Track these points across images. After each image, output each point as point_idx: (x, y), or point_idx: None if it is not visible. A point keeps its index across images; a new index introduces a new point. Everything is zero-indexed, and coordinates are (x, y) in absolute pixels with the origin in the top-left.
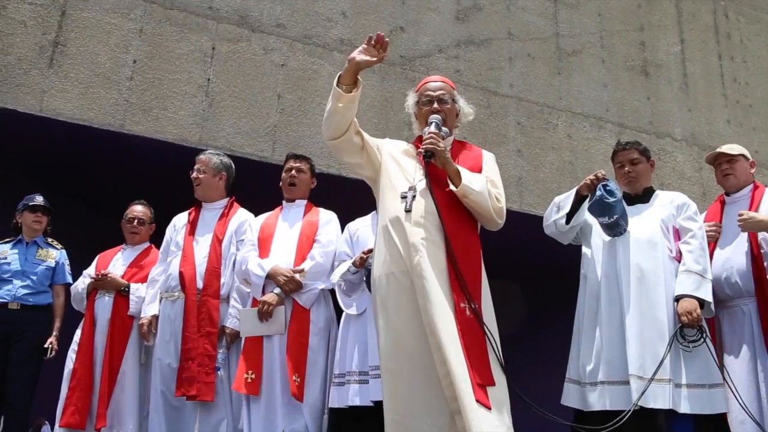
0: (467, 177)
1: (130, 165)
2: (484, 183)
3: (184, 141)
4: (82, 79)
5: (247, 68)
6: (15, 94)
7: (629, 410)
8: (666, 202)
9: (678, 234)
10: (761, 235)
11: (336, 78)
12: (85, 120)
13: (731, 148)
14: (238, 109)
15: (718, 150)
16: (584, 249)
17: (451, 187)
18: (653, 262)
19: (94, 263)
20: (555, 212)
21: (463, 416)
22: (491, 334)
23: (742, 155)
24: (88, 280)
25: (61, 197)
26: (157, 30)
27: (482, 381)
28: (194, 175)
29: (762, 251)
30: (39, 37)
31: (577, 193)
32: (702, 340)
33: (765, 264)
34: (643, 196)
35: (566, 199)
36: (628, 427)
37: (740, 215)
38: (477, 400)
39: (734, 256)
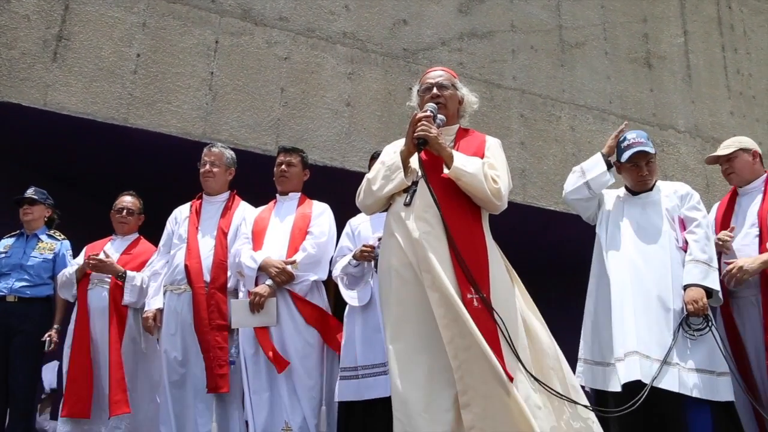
0: (460, 160)
1: (134, 158)
2: (479, 165)
3: (188, 135)
4: (86, 72)
5: (251, 62)
6: (19, 88)
7: (643, 393)
8: (670, 193)
9: (683, 223)
10: None
11: (399, 155)
12: (89, 114)
13: (727, 146)
14: (242, 102)
15: (713, 154)
16: (598, 233)
17: (445, 170)
18: (660, 252)
19: (82, 254)
20: (580, 175)
21: (478, 404)
22: (503, 323)
23: (740, 149)
24: (76, 267)
25: (66, 190)
26: (161, 24)
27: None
28: (207, 168)
29: None
30: (43, 31)
31: (603, 156)
32: (707, 328)
33: None
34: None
35: (593, 162)
36: (644, 412)
37: (728, 271)
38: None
39: (744, 248)
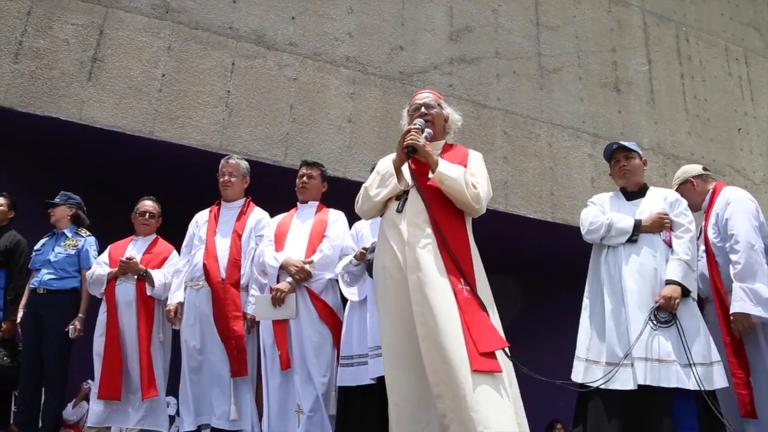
0: (444, 166)
1: (159, 167)
2: (461, 172)
3: (206, 146)
4: (117, 90)
5: (263, 82)
6: (58, 104)
7: (611, 375)
8: (660, 199)
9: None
10: (712, 240)
11: (392, 164)
12: (119, 127)
13: (675, 178)
14: (255, 118)
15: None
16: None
17: (430, 174)
18: (651, 255)
19: (106, 252)
20: (606, 231)
21: (460, 396)
22: (488, 308)
23: (687, 180)
24: (105, 268)
25: (97, 195)
26: (184, 47)
27: (491, 348)
28: (226, 178)
29: (716, 258)
30: (80, 54)
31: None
32: (673, 323)
33: (719, 269)
34: (639, 192)
35: (624, 229)
36: (637, 405)
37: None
38: (476, 370)
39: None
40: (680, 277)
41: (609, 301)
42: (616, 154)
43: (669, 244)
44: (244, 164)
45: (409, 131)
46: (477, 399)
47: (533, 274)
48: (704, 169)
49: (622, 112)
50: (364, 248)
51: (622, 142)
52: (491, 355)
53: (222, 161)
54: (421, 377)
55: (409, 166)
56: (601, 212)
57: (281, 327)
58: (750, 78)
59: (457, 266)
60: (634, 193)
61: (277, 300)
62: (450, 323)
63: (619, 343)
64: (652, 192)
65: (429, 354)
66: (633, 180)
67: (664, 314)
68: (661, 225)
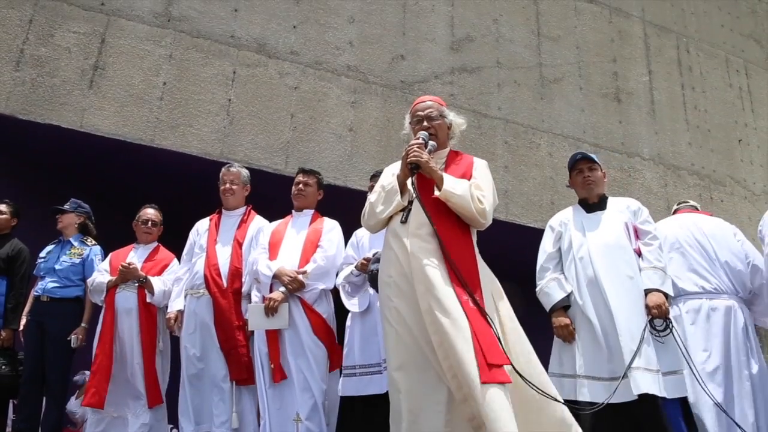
0: (450, 182)
1: (159, 175)
2: (467, 187)
3: (207, 154)
4: (118, 98)
5: (264, 90)
6: (59, 112)
7: (612, 393)
8: (623, 208)
9: (636, 232)
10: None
11: (395, 179)
12: (120, 135)
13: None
14: (256, 126)
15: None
16: (564, 259)
17: (436, 192)
18: (625, 265)
19: (107, 260)
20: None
21: (473, 398)
22: (492, 321)
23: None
24: (106, 276)
25: (98, 203)
26: (185, 56)
27: (497, 361)
28: (227, 186)
29: None
30: (81, 62)
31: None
32: (669, 330)
33: None
34: (600, 204)
35: (546, 300)
36: (633, 413)
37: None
38: (485, 382)
39: None
40: (659, 284)
41: (593, 315)
42: (579, 164)
43: (639, 254)
44: (245, 172)
45: (412, 146)
46: (492, 408)
47: (533, 283)
48: (678, 203)
49: (623, 122)
50: (365, 258)
51: (586, 153)
52: (499, 366)
53: (223, 169)
54: (432, 382)
55: (412, 179)
56: (553, 253)
57: (274, 338)
58: (750, 89)
59: (459, 279)
60: (594, 204)
61: (270, 309)
62: (461, 332)
63: (611, 356)
64: (613, 202)
65: (447, 361)
66: (595, 191)
67: (659, 322)
68: (559, 331)
